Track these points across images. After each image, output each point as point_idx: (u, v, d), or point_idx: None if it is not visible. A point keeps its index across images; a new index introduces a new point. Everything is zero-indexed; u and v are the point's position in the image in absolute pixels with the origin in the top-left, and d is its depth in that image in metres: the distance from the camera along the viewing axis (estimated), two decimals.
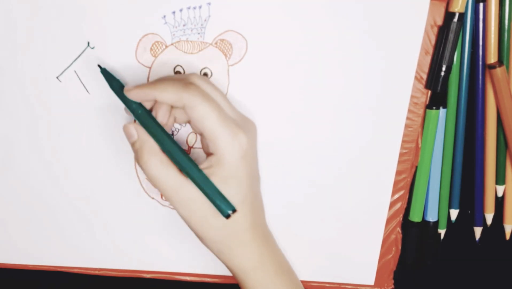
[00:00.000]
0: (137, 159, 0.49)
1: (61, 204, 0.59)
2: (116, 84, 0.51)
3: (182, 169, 0.49)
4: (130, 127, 0.50)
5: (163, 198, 0.59)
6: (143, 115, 0.50)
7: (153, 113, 0.50)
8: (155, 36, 0.54)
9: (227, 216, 0.48)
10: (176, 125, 0.57)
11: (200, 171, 0.49)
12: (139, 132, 0.49)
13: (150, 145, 0.49)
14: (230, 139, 0.48)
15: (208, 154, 0.50)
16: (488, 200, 0.60)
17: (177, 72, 0.55)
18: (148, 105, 0.51)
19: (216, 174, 0.49)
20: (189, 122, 0.52)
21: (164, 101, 0.49)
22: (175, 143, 0.49)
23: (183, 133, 0.57)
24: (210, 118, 0.48)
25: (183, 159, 0.49)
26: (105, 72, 0.52)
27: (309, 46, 0.55)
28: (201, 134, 0.51)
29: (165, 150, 0.49)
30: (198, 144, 0.57)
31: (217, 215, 0.49)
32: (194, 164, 0.49)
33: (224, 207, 0.48)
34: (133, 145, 0.50)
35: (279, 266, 0.54)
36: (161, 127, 0.50)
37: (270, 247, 0.54)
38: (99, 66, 0.52)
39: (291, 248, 0.59)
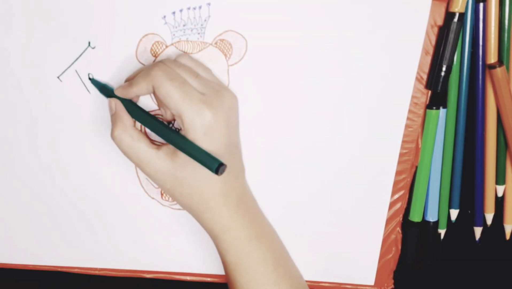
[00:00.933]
0: (111, 133, 0.52)
1: (61, 204, 0.59)
2: (105, 90, 0.55)
3: (165, 137, 0.51)
4: (111, 101, 0.53)
5: (163, 197, 0.59)
6: (125, 102, 0.53)
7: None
8: (155, 36, 0.55)
9: (216, 171, 0.49)
10: (176, 125, 0.57)
11: (183, 136, 0.50)
12: (117, 107, 0.53)
13: (123, 120, 0.52)
14: (193, 115, 0.50)
15: None
16: (488, 200, 0.60)
17: None
18: (136, 100, 0.55)
19: None
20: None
21: (143, 94, 0.52)
22: (156, 119, 0.52)
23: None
24: (173, 96, 0.49)
25: (165, 129, 0.51)
26: (94, 82, 0.55)
27: (309, 46, 0.55)
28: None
29: (147, 126, 0.52)
30: None
31: (185, 185, 0.51)
32: (177, 132, 0.51)
33: (210, 163, 0.49)
34: (111, 118, 0.53)
35: (255, 231, 0.54)
36: (146, 112, 0.53)
37: (245, 213, 0.54)
38: (89, 78, 0.55)
39: (291, 248, 0.59)
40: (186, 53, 0.55)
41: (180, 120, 0.50)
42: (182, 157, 0.51)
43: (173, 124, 0.56)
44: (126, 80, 0.54)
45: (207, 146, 0.50)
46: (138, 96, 0.54)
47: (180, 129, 0.51)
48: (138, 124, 0.55)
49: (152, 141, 0.54)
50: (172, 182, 0.52)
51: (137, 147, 0.52)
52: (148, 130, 0.56)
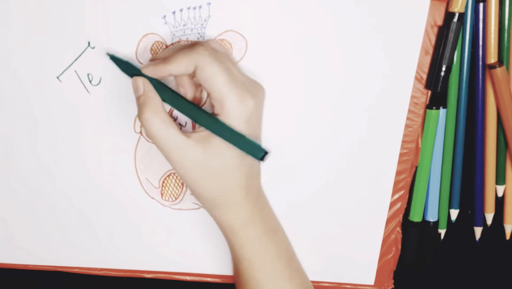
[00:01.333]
0: (139, 114, 0.49)
1: (61, 204, 0.59)
2: (126, 66, 0.52)
3: (203, 123, 0.49)
4: (138, 80, 0.50)
5: (163, 197, 0.59)
6: (155, 84, 0.50)
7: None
8: (155, 36, 0.55)
9: (261, 158, 0.49)
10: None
11: (224, 124, 0.49)
12: (146, 87, 0.50)
13: (154, 102, 0.49)
14: (237, 101, 0.48)
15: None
16: (488, 200, 0.60)
17: None
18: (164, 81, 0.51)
19: None
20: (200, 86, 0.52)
21: (180, 73, 0.49)
22: (190, 102, 0.50)
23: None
24: (220, 78, 0.48)
25: (203, 114, 0.49)
26: (114, 58, 0.53)
27: (308, 46, 0.55)
28: (209, 96, 0.51)
29: (181, 110, 0.50)
30: None
31: (212, 175, 0.50)
32: (216, 118, 0.49)
33: (257, 151, 0.49)
34: (138, 99, 0.50)
35: (270, 225, 0.54)
36: (177, 93, 0.50)
37: (262, 207, 0.54)
38: (107, 54, 0.53)
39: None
40: (216, 40, 0.54)
41: (220, 105, 0.48)
42: (215, 145, 0.49)
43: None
44: (153, 59, 0.52)
45: (247, 133, 0.49)
46: (169, 76, 0.51)
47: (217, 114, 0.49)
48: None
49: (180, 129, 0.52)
50: (199, 171, 0.49)
51: (168, 132, 0.49)
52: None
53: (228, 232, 0.53)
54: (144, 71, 0.50)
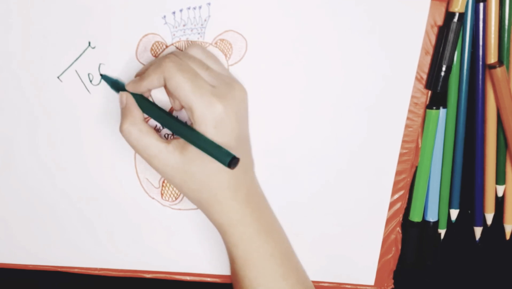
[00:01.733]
0: (119, 127, 0.52)
1: (61, 204, 0.59)
2: (116, 85, 0.55)
3: (176, 131, 0.51)
4: (122, 94, 0.53)
5: (163, 197, 0.59)
6: (136, 97, 0.53)
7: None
8: (156, 36, 0.55)
9: (229, 165, 0.49)
10: None
11: (195, 131, 0.50)
12: (127, 100, 0.52)
13: (133, 114, 0.52)
14: (203, 108, 0.49)
15: None
16: (488, 200, 0.60)
17: None
18: (147, 94, 0.54)
19: None
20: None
21: (155, 87, 0.51)
22: (166, 113, 0.52)
23: None
24: (184, 88, 0.49)
25: (177, 123, 0.51)
26: (105, 78, 0.55)
27: (308, 46, 0.55)
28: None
29: (158, 120, 0.52)
30: None
31: (194, 179, 0.51)
32: (188, 126, 0.51)
33: (222, 157, 0.49)
34: (121, 112, 0.53)
35: (263, 225, 0.54)
36: (157, 106, 0.53)
37: (255, 207, 0.54)
38: (100, 74, 0.55)
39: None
40: (197, 44, 0.54)
41: (190, 113, 0.50)
42: (192, 151, 0.50)
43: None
44: (137, 75, 0.54)
45: (218, 139, 0.49)
46: (149, 91, 0.54)
47: (191, 123, 0.51)
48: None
49: (161, 136, 0.54)
50: (181, 176, 0.51)
51: (146, 140, 0.51)
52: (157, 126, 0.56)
53: (220, 231, 0.54)
54: (127, 88, 0.53)
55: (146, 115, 0.53)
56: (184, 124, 0.51)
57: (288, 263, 0.55)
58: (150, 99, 0.56)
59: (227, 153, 0.49)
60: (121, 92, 0.53)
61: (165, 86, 0.51)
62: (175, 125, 0.51)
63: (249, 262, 0.54)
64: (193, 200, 0.53)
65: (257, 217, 0.54)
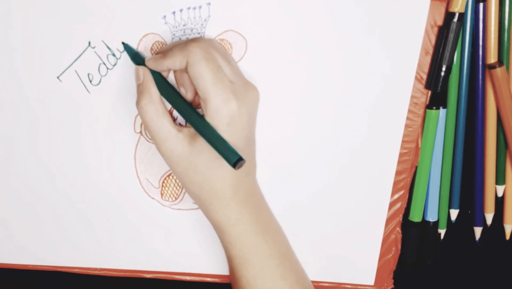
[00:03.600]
0: (136, 102, 0.51)
1: (61, 204, 0.59)
2: (137, 58, 0.53)
3: (188, 119, 0.50)
4: (139, 69, 0.52)
5: (163, 197, 0.59)
6: (155, 75, 0.52)
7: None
8: (156, 36, 0.55)
9: (234, 165, 0.48)
10: None
11: (207, 124, 0.49)
12: (145, 76, 0.51)
13: (151, 92, 0.51)
14: (220, 102, 0.48)
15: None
16: (488, 200, 0.60)
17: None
18: (166, 74, 0.53)
19: None
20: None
21: (176, 68, 0.50)
22: (183, 99, 0.51)
23: None
24: (205, 78, 0.48)
25: (191, 112, 0.50)
26: (126, 47, 0.54)
27: (308, 46, 0.55)
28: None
29: (173, 104, 0.51)
30: None
31: (197, 172, 0.50)
32: (202, 117, 0.50)
33: (230, 155, 0.48)
34: (137, 87, 0.52)
35: (262, 225, 0.54)
36: (174, 88, 0.52)
37: (254, 207, 0.54)
38: (122, 43, 0.54)
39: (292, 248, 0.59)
40: (215, 40, 0.54)
41: (204, 104, 0.49)
42: (201, 143, 0.50)
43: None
44: (158, 53, 0.53)
45: (228, 137, 0.49)
46: (168, 71, 0.52)
47: (202, 114, 0.50)
48: None
49: (174, 122, 0.53)
50: (185, 166, 0.51)
51: (160, 122, 0.50)
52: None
53: (217, 230, 0.54)
54: (147, 63, 0.51)
55: None
56: (198, 114, 0.50)
57: (287, 263, 0.55)
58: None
59: (235, 153, 0.48)
60: (137, 67, 0.52)
61: (186, 71, 0.49)
62: (188, 113, 0.50)
63: (247, 261, 0.54)
64: (193, 194, 0.53)
65: (255, 217, 0.54)
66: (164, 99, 0.52)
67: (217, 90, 0.48)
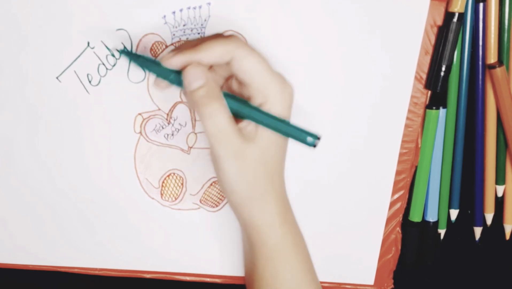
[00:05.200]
0: (200, 108, 0.45)
1: (61, 204, 0.59)
2: (143, 60, 0.49)
3: (249, 114, 0.47)
4: (198, 68, 0.46)
5: (163, 197, 0.59)
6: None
7: None
8: (155, 36, 0.55)
9: (314, 145, 0.48)
10: (176, 126, 0.57)
11: (273, 116, 0.48)
12: (208, 76, 0.46)
13: (220, 95, 0.46)
14: (280, 89, 0.47)
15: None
16: (488, 200, 0.60)
17: None
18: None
19: None
20: (229, 77, 0.51)
21: (211, 62, 0.47)
22: (233, 95, 0.48)
23: (182, 134, 0.57)
24: (261, 68, 0.47)
25: (246, 104, 0.48)
26: (127, 53, 0.52)
27: (308, 46, 0.55)
28: (246, 87, 0.49)
29: (228, 104, 0.47)
30: (198, 144, 0.57)
31: (252, 167, 0.47)
32: (262, 111, 0.48)
33: (312, 136, 0.48)
34: (196, 90, 0.46)
35: (289, 222, 0.53)
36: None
37: (286, 205, 0.53)
38: (117, 50, 0.53)
39: None
40: None
41: (262, 96, 0.47)
42: (264, 139, 0.48)
43: None
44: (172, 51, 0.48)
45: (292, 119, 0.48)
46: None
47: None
48: None
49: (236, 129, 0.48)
50: (240, 163, 0.47)
51: (232, 134, 0.46)
52: None
53: (251, 230, 0.51)
54: (169, 62, 0.46)
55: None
56: (259, 109, 0.48)
57: (309, 260, 0.55)
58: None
59: (312, 133, 0.48)
60: (192, 67, 0.46)
61: (229, 66, 0.47)
62: (250, 110, 0.47)
63: (277, 258, 0.51)
64: (236, 191, 0.48)
65: (285, 213, 0.52)
66: None
67: (274, 78, 0.47)
